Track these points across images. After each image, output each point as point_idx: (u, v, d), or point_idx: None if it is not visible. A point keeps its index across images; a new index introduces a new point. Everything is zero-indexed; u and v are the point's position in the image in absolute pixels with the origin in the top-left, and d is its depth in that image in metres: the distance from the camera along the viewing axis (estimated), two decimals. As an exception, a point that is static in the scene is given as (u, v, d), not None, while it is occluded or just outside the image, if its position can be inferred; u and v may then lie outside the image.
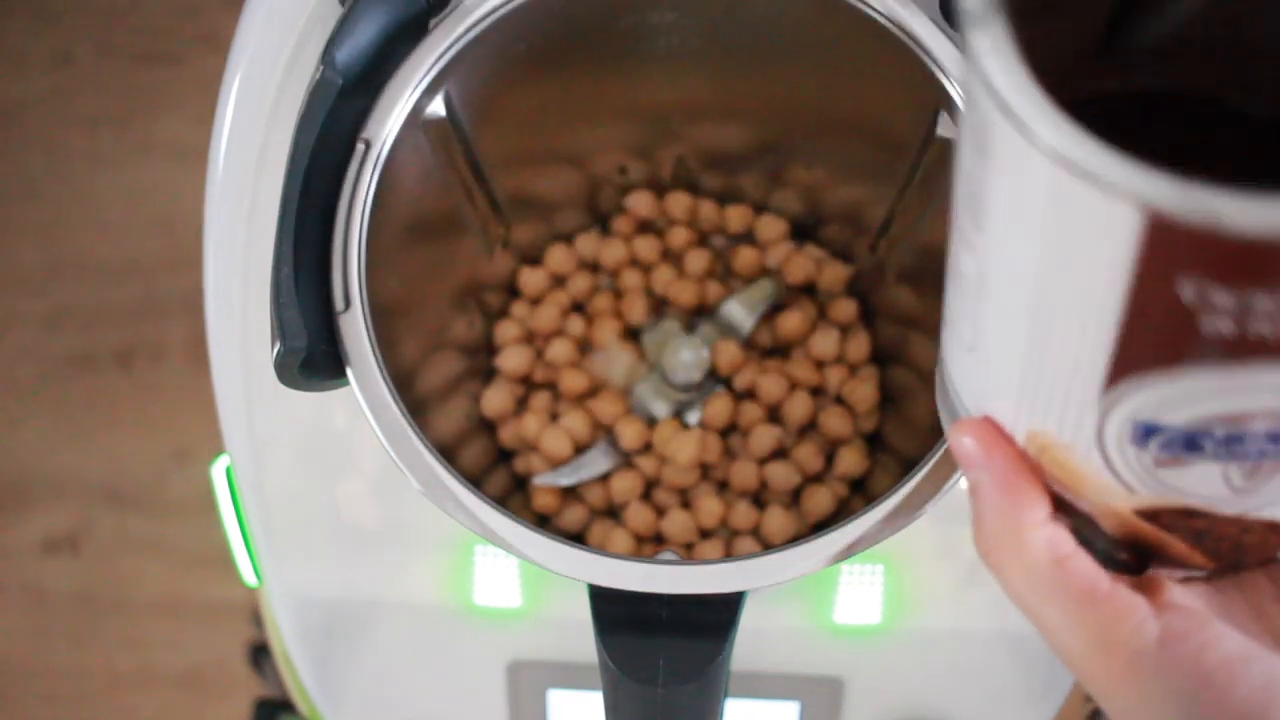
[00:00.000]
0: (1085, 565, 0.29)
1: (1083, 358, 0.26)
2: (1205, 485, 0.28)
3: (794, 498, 0.58)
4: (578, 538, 0.58)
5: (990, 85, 0.23)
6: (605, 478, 0.58)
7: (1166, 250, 0.22)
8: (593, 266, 0.61)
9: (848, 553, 0.40)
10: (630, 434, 0.57)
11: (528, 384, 0.60)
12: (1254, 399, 0.25)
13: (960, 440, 0.30)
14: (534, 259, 0.61)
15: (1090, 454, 0.28)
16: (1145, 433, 0.27)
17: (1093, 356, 0.26)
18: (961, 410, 0.32)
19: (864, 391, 0.57)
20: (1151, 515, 0.29)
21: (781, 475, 0.56)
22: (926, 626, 0.54)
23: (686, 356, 0.57)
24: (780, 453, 0.58)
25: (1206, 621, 0.29)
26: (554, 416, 0.58)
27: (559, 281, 0.61)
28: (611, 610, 0.42)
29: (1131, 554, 0.31)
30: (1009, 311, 0.27)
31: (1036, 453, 0.29)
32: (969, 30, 0.24)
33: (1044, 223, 0.24)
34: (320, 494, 0.55)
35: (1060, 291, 0.25)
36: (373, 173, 0.44)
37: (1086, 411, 0.27)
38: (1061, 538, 0.30)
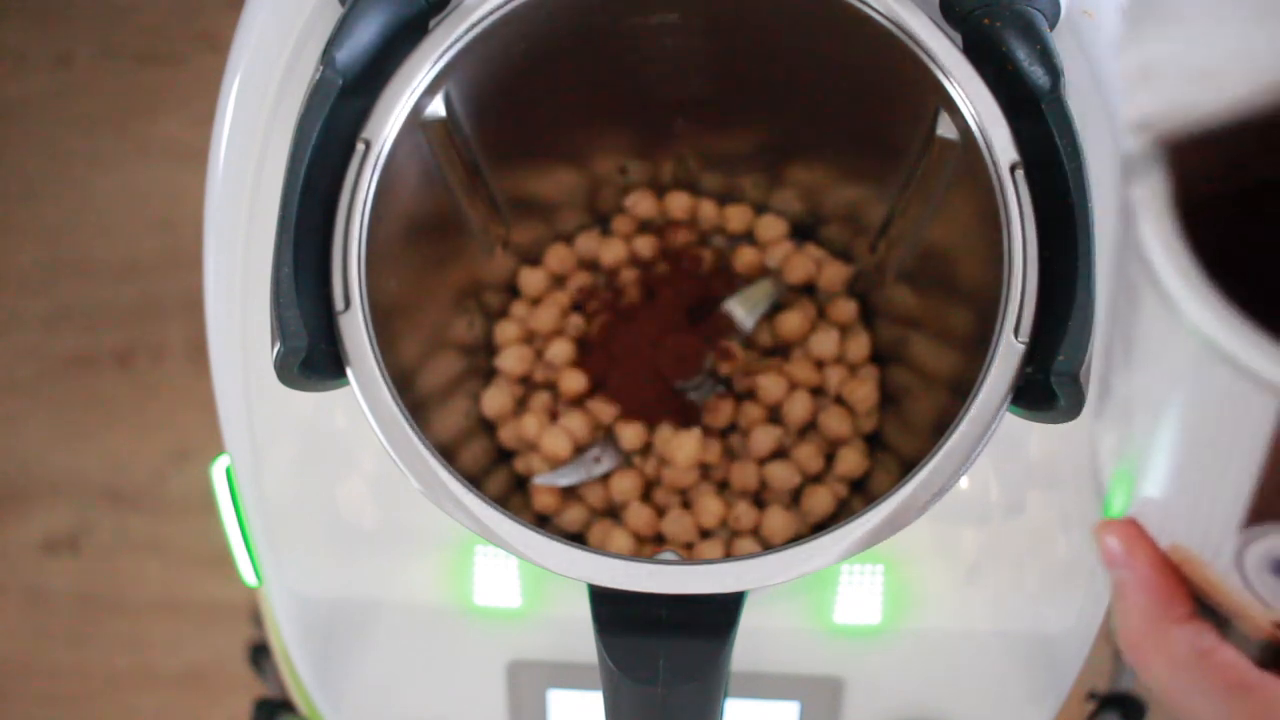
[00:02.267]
0: (1232, 657, 0.30)
1: (1223, 497, 0.27)
2: None
3: (794, 498, 0.58)
4: (578, 538, 0.58)
5: (1144, 256, 0.24)
6: (605, 478, 0.58)
7: None
8: (593, 266, 0.61)
9: (847, 553, 0.40)
10: (630, 434, 0.57)
11: (528, 384, 0.60)
12: None
13: (1106, 540, 0.32)
14: (534, 259, 0.61)
15: (1229, 574, 0.29)
16: None
17: (1234, 499, 0.27)
18: (1110, 507, 0.33)
19: (864, 391, 0.57)
20: None
21: (781, 475, 0.56)
22: (926, 626, 0.54)
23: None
24: (780, 453, 0.58)
25: None
26: (554, 416, 0.58)
27: (559, 281, 0.61)
28: (611, 610, 0.42)
29: (1269, 653, 0.32)
30: (1154, 442, 0.28)
31: (1178, 562, 0.31)
32: (1127, 183, 0.24)
33: (1189, 386, 0.25)
34: (320, 494, 0.55)
35: (1202, 443, 0.26)
36: (373, 173, 0.44)
37: (1226, 540, 0.28)
38: (1205, 631, 0.31)
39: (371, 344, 0.42)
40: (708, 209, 0.61)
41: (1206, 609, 0.31)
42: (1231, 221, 0.26)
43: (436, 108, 0.46)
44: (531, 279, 0.60)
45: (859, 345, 0.58)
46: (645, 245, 0.60)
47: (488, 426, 0.59)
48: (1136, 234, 0.24)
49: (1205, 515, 0.28)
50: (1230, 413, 0.25)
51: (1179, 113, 0.24)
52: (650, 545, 0.57)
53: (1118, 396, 0.29)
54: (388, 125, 0.45)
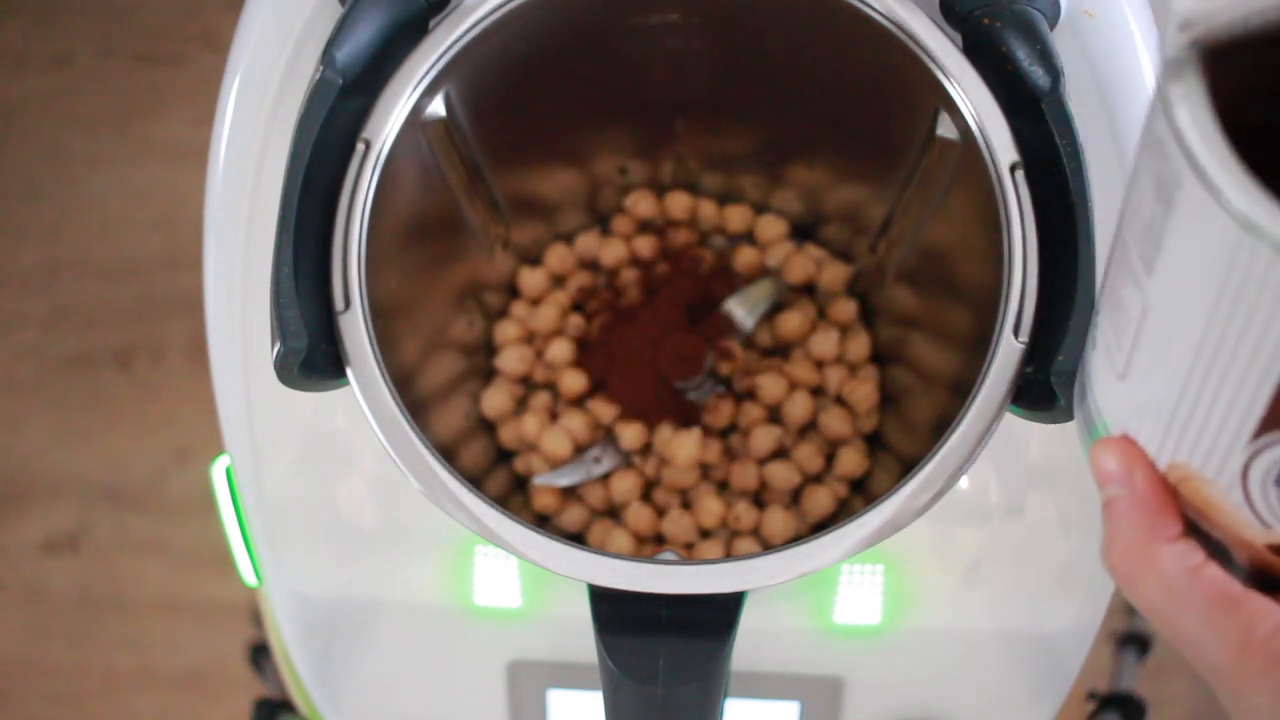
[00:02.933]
0: (1218, 574, 0.31)
1: (1238, 405, 0.27)
2: None
3: (794, 498, 0.58)
4: (578, 538, 0.58)
5: (1183, 141, 0.24)
6: (605, 478, 0.58)
7: None
8: (593, 266, 0.61)
9: (848, 553, 0.40)
10: (630, 434, 0.57)
11: (527, 384, 0.60)
12: None
13: (1103, 458, 0.32)
14: (534, 259, 0.61)
15: (1232, 490, 0.29)
16: None
17: (1249, 406, 0.27)
18: (1102, 429, 0.33)
19: (864, 391, 0.57)
20: None
21: (781, 475, 0.56)
22: (926, 626, 0.54)
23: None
24: (780, 453, 0.58)
25: None
26: (554, 416, 0.58)
27: (559, 281, 0.61)
28: (611, 610, 0.42)
29: (1259, 582, 0.32)
30: (1170, 353, 0.28)
31: (1176, 481, 0.31)
32: (1163, 78, 0.25)
33: (1223, 280, 0.25)
34: (320, 494, 0.55)
35: (1228, 343, 0.26)
36: (373, 173, 0.44)
37: (1234, 453, 0.28)
38: (1193, 549, 0.31)
39: (371, 344, 0.42)
40: (708, 209, 0.61)
41: (1199, 536, 0.31)
42: (1260, 126, 0.26)
43: (436, 108, 0.46)
44: (531, 279, 0.60)
45: (859, 345, 0.58)
46: (645, 245, 0.60)
47: (488, 426, 0.59)
48: (1175, 127, 0.24)
49: (1215, 428, 0.28)
50: (1262, 305, 0.25)
51: (1219, 13, 0.25)
52: (650, 545, 0.57)
53: (1131, 313, 0.29)
54: (388, 125, 0.45)
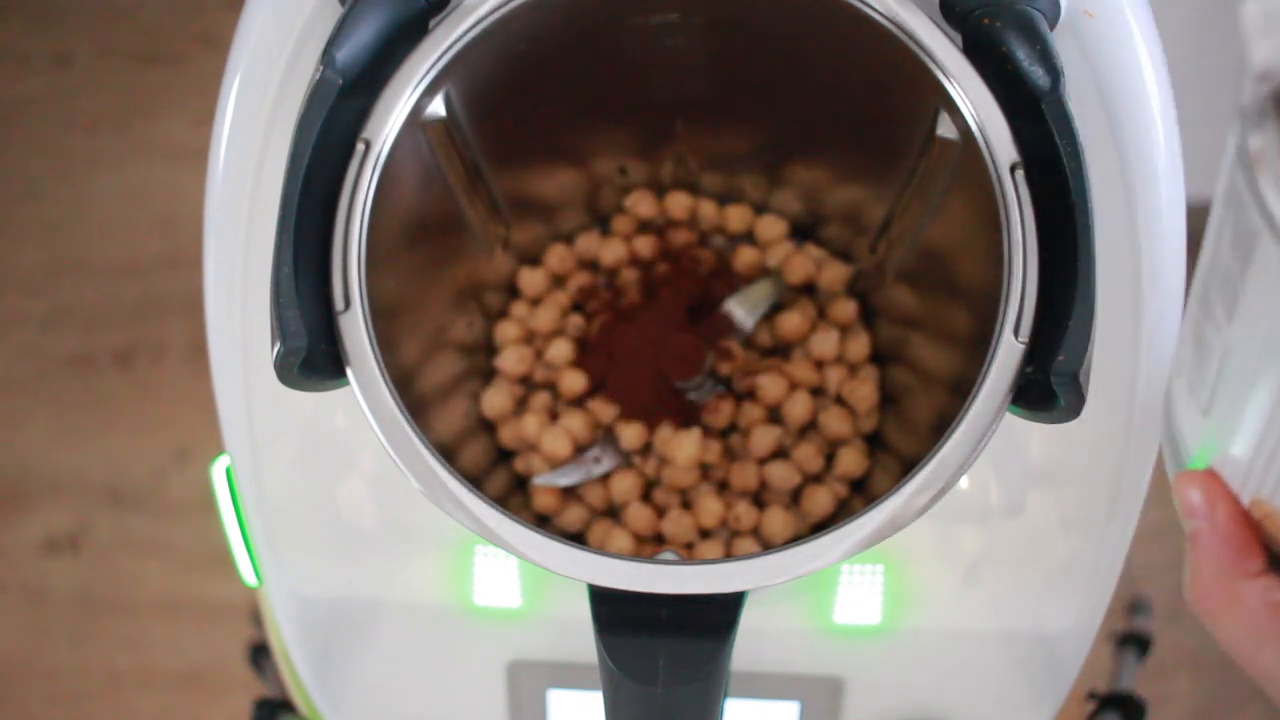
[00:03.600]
0: None
1: None
2: None
3: (794, 498, 0.58)
4: (578, 538, 0.58)
5: (1260, 198, 0.24)
6: (605, 478, 0.58)
7: None
8: (592, 266, 0.61)
9: (848, 553, 0.40)
10: (630, 434, 0.57)
11: (527, 384, 0.60)
12: None
13: (1187, 491, 0.32)
14: (534, 259, 0.61)
15: None
16: None
17: None
18: (1187, 459, 0.33)
19: (864, 391, 0.57)
20: None
21: (781, 475, 0.56)
22: (926, 626, 0.54)
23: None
24: (780, 453, 0.58)
25: None
26: (554, 416, 0.58)
27: (559, 281, 0.61)
28: (611, 610, 0.42)
29: None
30: (1253, 393, 0.28)
31: (1260, 517, 0.31)
32: (1241, 130, 0.24)
33: None
34: (320, 494, 0.55)
35: None
36: (373, 173, 0.44)
37: None
38: (1275, 585, 0.31)
39: (371, 344, 0.42)
40: (708, 209, 0.61)
41: None
42: None
43: (436, 108, 0.46)
44: (531, 279, 0.60)
45: (859, 345, 0.58)
46: (645, 245, 0.60)
47: (488, 426, 0.59)
48: (1255, 183, 0.24)
49: None
50: None
51: None
52: (650, 545, 0.57)
53: (1213, 353, 0.29)
54: (388, 125, 0.45)
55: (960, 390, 0.43)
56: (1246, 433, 0.29)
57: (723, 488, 0.58)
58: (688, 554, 0.57)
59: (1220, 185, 0.27)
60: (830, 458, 0.58)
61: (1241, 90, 0.25)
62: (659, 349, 0.58)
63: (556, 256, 0.60)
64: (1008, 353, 0.41)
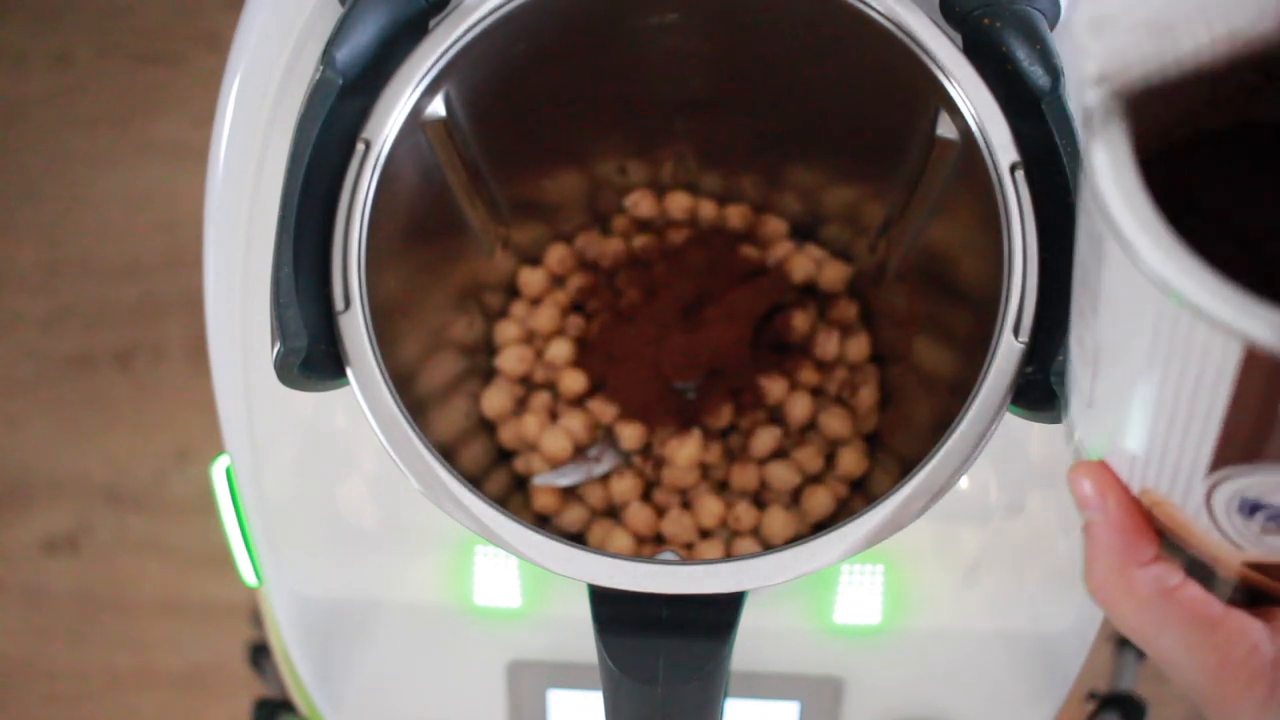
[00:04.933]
0: (1196, 593, 0.31)
1: (1190, 442, 0.27)
2: None
3: (794, 498, 0.58)
4: (578, 538, 0.58)
5: (1103, 206, 0.24)
6: (605, 478, 0.58)
7: (1264, 375, 0.24)
8: (592, 266, 0.61)
9: (848, 553, 0.40)
10: (630, 434, 0.57)
11: (527, 384, 0.60)
12: None
13: (1079, 482, 0.32)
14: (534, 259, 0.61)
15: (1199, 515, 0.29)
16: (1250, 508, 0.28)
17: (1199, 443, 0.27)
18: (1083, 453, 0.33)
19: (864, 391, 0.57)
20: (1259, 567, 0.31)
21: (781, 475, 0.56)
22: (926, 626, 0.54)
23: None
24: (780, 453, 0.58)
25: None
26: (554, 416, 0.58)
27: (559, 281, 0.61)
28: (611, 610, 0.42)
29: (1242, 594, 0.32)
30: (1122, 390, 0.28)
31: (1149, 505, 0.31)
32: (1087, 135, 0.24)
33: (1153, 333, 0.25)
34: (320, 494, 0.55)
35: (1168, 387, 0.26)
36: (373, 173, 0.44)
37: (1195, 484, 0.28)
38: (1169, 571, 0.31)
39: (371, 344, 0.42)
40: (708, 209, 0.61)
41: (1179, 553, 0.32)
42: (1190, 171, 0.26)
43: (436, 108, 0.46)
44: (531, 279, 0.60)
45: (859, 345, 0.58)
46: (645, 245, 0.60)
47: (488, 426, 0.59)
48: (1094, 184, 0.24)
49: (1174, 460, 0.28)
50: (1192, 359, 0.25)
51: (1133, 65, 0.24)
52: (650, 545, 0.57)
53: (1088, 349, 0.29)
54: (388, 125, 0.45)
55: (960, 390, 0.43)
56: (1128, 424, 0.29)
57: (723, 488, 0.58)
58: (688, 554, 0.57)
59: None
60: (830, 458, 0.58)
61: (1084, 95, 0.25)
62: (659, 349, 0.58)
63: (556, 256, 0.60)
64: (1008, 353, 0.41)
